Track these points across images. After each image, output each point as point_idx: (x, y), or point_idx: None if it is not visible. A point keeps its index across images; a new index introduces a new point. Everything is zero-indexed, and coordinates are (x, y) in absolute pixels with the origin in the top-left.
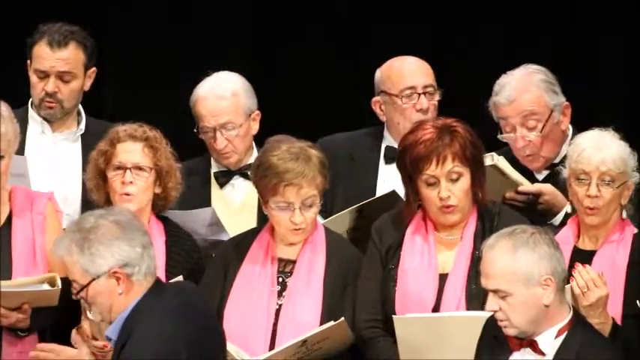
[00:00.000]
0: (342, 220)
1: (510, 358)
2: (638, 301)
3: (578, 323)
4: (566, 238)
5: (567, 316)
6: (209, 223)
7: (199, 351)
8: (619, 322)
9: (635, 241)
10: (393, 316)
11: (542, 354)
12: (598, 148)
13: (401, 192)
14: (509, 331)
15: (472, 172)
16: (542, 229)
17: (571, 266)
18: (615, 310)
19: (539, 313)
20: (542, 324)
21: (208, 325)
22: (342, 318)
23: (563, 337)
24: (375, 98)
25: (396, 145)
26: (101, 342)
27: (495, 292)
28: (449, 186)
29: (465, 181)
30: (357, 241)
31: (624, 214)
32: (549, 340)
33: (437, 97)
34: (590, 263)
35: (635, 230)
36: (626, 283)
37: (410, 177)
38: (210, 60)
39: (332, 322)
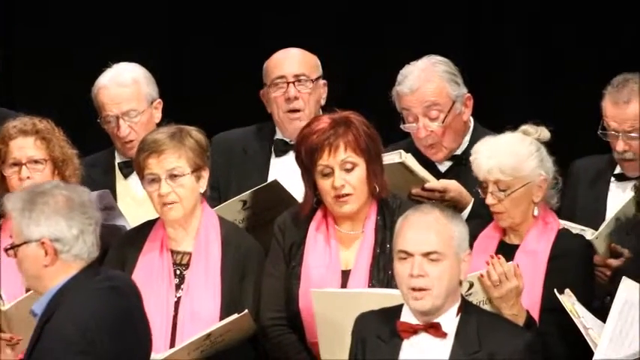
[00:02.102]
0: (227, 210)
1: (401, 351)
2: (556, 291)
3: (467, 303)
4: (493, 233)
5: (460, 296)
6: (105, 206)
7: (123, 334)
8: (537, 315)
9: (558, 235)
10: (312, 289)
11: (444, 335)
12: (489, 156)
13: (288, 183)
14: (424, 303)
15: (367, 163)
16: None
17: None
18: (533, 303)
19: (454, 287)
20: (450, 300)
21: (135, 312)
22: (246, 310)
23: (460, 316)
24: (262, 91)
25: (284, 138)
26: (9, 334)
27: (427, 254)
28: (343, 175)
29: (360, 171)
30: (247, 231)
31: (536, 212)
32: (451, 319)
33: (309, 86)
34: (513, 257)
35: (561, 225)
36: (546, 277)
37: (307, 170)
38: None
39: (236, 315)
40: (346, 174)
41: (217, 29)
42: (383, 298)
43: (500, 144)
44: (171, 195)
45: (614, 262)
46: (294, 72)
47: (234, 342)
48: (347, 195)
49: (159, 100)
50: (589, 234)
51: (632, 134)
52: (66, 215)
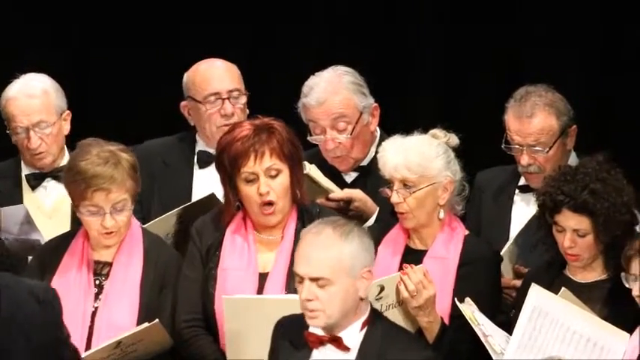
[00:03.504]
0: (162, 225)
1: (311, 358)
2: (457, 300)
3: (377, 316)
4: (398, 237)
5: (368, 309)
6: (21, 221)
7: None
8: (447, 321)
9: (466, 241)
10: (223, 296)
11: (347, 349)
12: (396, 154)
13: (218, 195)
14: (319, 322)
15: (291, 170)
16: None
17: (402, 266)
18: (444, 310)
19: (352, 305)
20: (350, 317)
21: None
22: (157, 319)
23: (365, 330)
24: (183, 103)
25: (208, 149)
26: None
27: (316, 280)
28: (268, 182)
29: (284, 177)
30: (177, 244)
31: (441, 215)
32: (354, 334)
33: (242, 101)
34: (420, 262)
35: (467, 231)
36: (455, 283)
37: (229, 177)
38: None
39: (146, 324)
40: (271, 180)
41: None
42: (294, 304)
43: (408, 143)
44: (114, 226)
45: (518, 284)
46: (227, 88)
47: (148, 353)
48: (272, 204)
49: (67, 111)
50: None
51: (537, 148)
52: None
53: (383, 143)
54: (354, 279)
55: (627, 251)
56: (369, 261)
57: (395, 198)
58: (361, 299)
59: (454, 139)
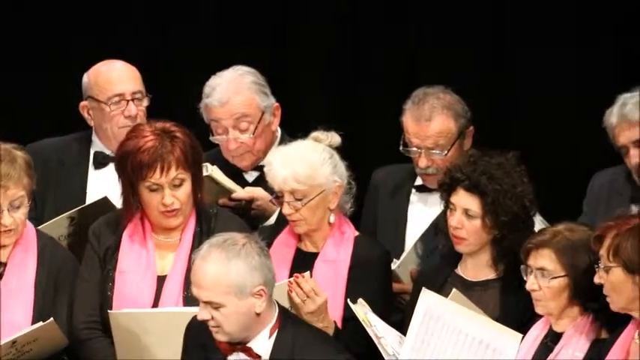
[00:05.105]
0: (55, 227)
1: None
2: (350, 302)
3: (287, 319)
4: (289, 240)
5: (275, 315)
6: None
7: None
8: (340, 325)
9: (356, 242)
10: (109, 311)
11: (258, 357)
12: (282, 166)
13: (111, 197)
14: (221, 337)
15: (193, 176)
16: (252, 237)
17: (294, 270)
18: (337, 313)
19: (250, 321)
20: (253, 329)
21: None
22: (52, 318)
23: (275, 336)
24: (83, 103)
25: (105, 150)
26: None
27: (208, 303)
28: (172, 192)
29: (188, 185)
30: (71, 247)
31: (332, 219)
32: (264, 342)
33: (145, 103)
34: (312, 265)
35: (357, 233)
36: (347, 286)
37: (131, 181)
38: None
39: (41, 323)
40: (175, 190)
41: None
42: (181, 316)
43: (293, 153)
44: (11, 224)
45: None
46: (131, 90)
47: (44, 353)
48: (176, 210)
49: None
50: (393, 265)
51: (435, 151)
52: None
53: (268, 156)
54: (247, 298)
55: (527, 244)
56: (261, 279)
57: (287, 210)
58: (257, 315)
59: (336, 139)
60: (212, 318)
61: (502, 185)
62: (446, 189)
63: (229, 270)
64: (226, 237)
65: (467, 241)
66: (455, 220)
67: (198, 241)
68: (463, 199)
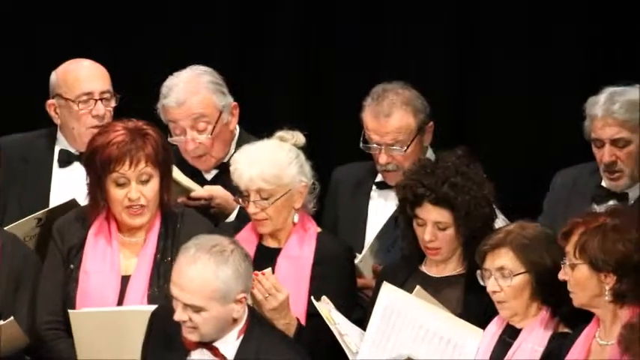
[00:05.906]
0: (21, 227)
1: (189, 358)
2: (313, 299)
3: (254, 322)
4: (250, 236)
5: (245, 317)
6: None
7: None
8: (304, 321)
9: (319, 239)
10: (69, 310)
11: (224, 358)
12: (249, 165)
13: (72, 194)
14: (193, 337)
15: (161, 175)
16: (236, 241)
17: (256, 265)
18: (300, 309)
19: (226, 325)
20: (226, 331)
21: None
22: (12, 317)
23: (241, 338)
24: (50, 101)
25: (70, 149)
26: None
27: (189, 306)
28: (139, 187)
29: (155, 183)
30: (37, 248)
31: (295, 219)
32: (231, 342)
33: (113, 103)
34: (274, 261)
35: (319, 229)
36: (310, 282)
37: (98, 177)
38: None
39: (1, 322)
40: (142, 185)
41: None
42: (143, 315)
43: (260, 153)
44: None
45: None
46: (100, 89)
47: (4, 352)
48: (142, 207)
49: None
50: (355, 260)
51: (395, 147)
52: None
53: (234, 155)
54: (229, 304)
55: (482, 247)
56: (244, 286)
57: (252, 209)
58: (234, 319)
59: (300, 138)
60: (190, 319)
61: (470, 193)
62: (410, 203)
63: (217, 277)
64: (214, 241)
65: (442, 249)
66: (428, 234)
67: (163, 241)
68: (433, 213)
